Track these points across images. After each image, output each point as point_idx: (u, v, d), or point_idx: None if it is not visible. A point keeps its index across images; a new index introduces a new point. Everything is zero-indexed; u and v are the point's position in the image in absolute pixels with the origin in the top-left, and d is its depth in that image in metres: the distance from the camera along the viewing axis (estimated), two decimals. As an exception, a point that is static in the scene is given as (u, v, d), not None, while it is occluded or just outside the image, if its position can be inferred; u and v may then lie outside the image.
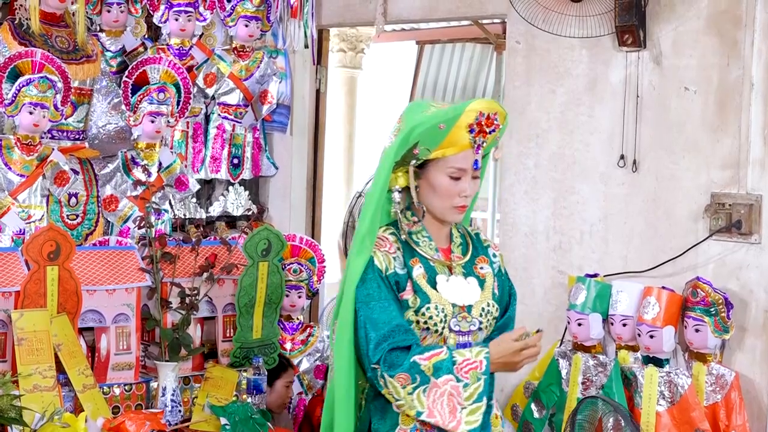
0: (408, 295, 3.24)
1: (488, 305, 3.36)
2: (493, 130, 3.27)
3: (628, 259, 4.95)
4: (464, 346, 3.29)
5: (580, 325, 4.84)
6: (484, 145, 3.29)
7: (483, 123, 3.24)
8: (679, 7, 4.81)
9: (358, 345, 3.24)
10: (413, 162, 3.24)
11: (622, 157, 4.97)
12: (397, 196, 3.30)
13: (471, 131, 3.22)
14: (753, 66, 4.62)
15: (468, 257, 3.39)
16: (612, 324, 4.80)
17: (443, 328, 3.25)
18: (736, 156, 4.67)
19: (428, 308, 3.23)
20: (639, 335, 4.69)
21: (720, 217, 4.68)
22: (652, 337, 4.63)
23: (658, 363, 4.67)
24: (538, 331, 3.24)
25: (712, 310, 4.55)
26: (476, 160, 3.27)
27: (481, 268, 3.41)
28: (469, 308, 3.30)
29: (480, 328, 3.34)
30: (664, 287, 4.66)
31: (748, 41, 4.63)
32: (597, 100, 5.09)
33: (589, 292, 4.83)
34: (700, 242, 4.74)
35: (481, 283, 3.37)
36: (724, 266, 4.71)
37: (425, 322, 3.23)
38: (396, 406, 3.18)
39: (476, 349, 3.20)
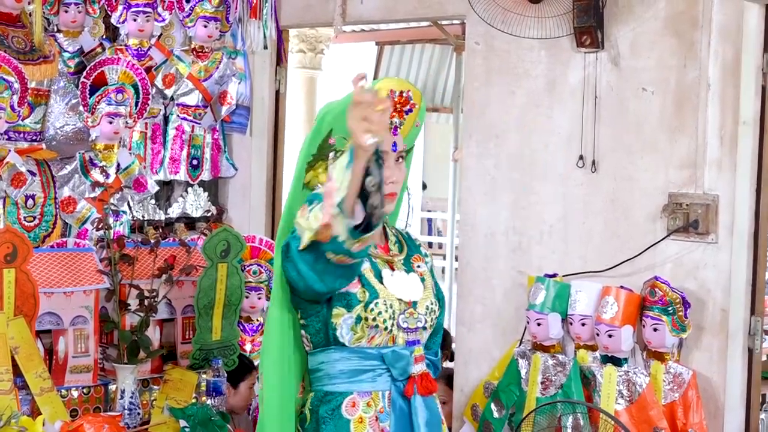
0: (356, 288, 3.15)
1: (432, 303, 3.33)
2: (410, 110, 3.21)
3: (587, 259, 4.97)
4: (413, 343, 3.26)
5: (539, 324, 4.86)
6: (402, 126, 3.23)
7: (397, 101, 3.18)
8: (636, 9, 4.83)
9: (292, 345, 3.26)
10: (331, 154, 3.18)
11: (581, 157, 4.99)
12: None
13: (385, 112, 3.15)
14: (710, 67, 4.66)
15: (404, 255, 3.36)
16: (571, 324, 4.82)
17: (392, 325, 3.20)
18: (693, 156, 4.70)
19: (377, 303, 3.16)
20: (598, 335, 4.72)
21: (677, 217, 4.71)
22: (610, 336, 4.65)
23: (617, 362, 4.69)
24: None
25: (669, 309, 4.58)
26: (395, 143, 3.17)
27: (418, 266, 3.37)
28: (414, 304, 3.26)
29: (425, 327, 3.30)
30: (622, 287, 4.69)
31: (705, 42, 4.66)
32: (556, 100, 5.11)
33: (548, 292, 4.85)
34: (658, 242, 4.77)
35: (422, 280, 3.34)
36: (682, 266, 4.74)
37: (374, 319, 3.16)
38: (302, 234, 2.96)
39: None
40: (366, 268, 3.19)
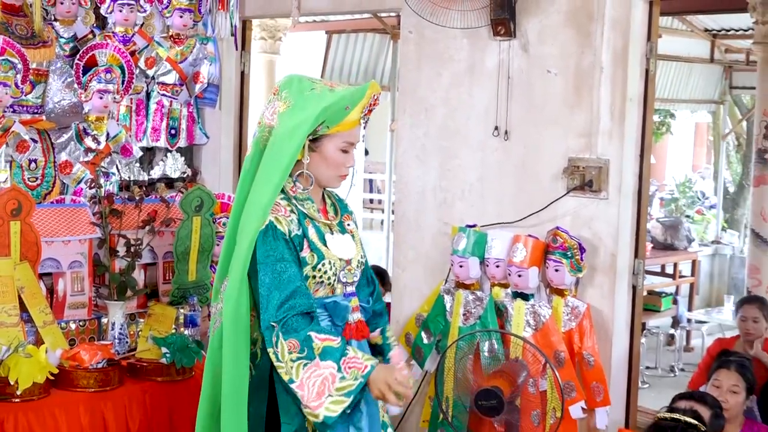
0: (305, 253, 3.13)
1: (361, 257, 3.33)
2: (374, 108, 3.23)
3: (501, 212, 5.00)
4: (350, 295, 3.25)
5: (461, 266, 4.89)
6: (368, 121, 3.25)
7: (372, 103, 3.20)
8: (542, 4, 4.84)
9: (255, 301, 3.11)
10: (309, 136, 3.13)
11: (496, 128, 5.00)
12: None
13: (364, 110, 3.17)
14: (603, 53, 4.68)
15: (338, 217, 3.33)
16: (487, 266, 4.86)
17: (334, 280, 3.19)
18: (588, 127, 4.73)
19: (323, 264, 3.14)
20: (509, 275, 4.75)
21: (575, 177, 4.74)
22: (520, 276, 4.69)
23: (525, 297, 4.74)
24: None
25: (568, 253, 4.62)
26: (363, 135, 3.26)
27: (348, 224, 3.35)
28: (350, 261, 3.25)
29: (357, 279, 3.30)
30: (530, 235, 4.72)
31: (599, 33, 4.68)
32: (475, 81, 5.11)
33: (469, 240, 4.87)
34: (559, 198, 4.80)
35: (352, 237, 3.32)
36: (579, 218, 4.78)
37: (320, 277, 3.15)
38: (277, 365, 2.97)
39: (367, 355, 3.07)
40: (312, 233, 3.16)
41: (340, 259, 3.21)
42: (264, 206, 3.07)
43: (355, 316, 3.26)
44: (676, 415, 3.12)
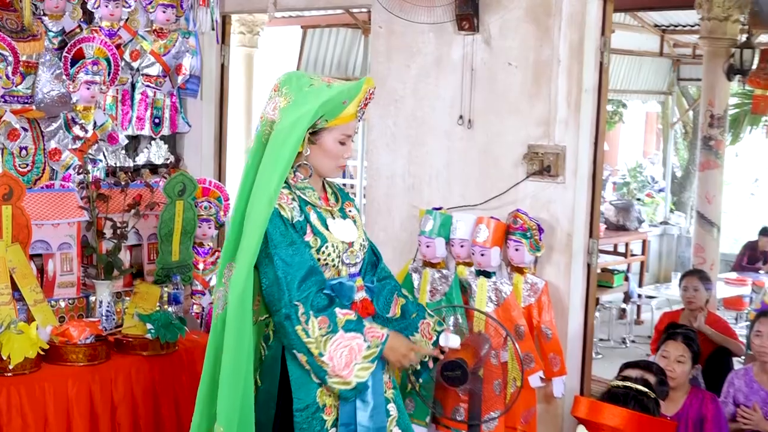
0: (309, 237, 3.11)
1: (363, 240, 3.31)
2: (369, 101, 3.22)
3: (465, 195, 5.00)
4: (354, 275, 3.24)
5: (428, 247, 4.89)
6: (363, 114, 3.25)
7: (368, 98, 3.19)
8: (504, 0, 4.83)
9: (261, 286, 3.07)
10: (309, 130, 3.11)
11: (460, 117, 5.00)
12: None
13: (360, 105, 3.16)
14: (560, 47, 4.68)
15: (339, 204, 3.31)
16: (452, 246, 4.86)
17: (339, 262, 3.18)
18: (547, 116, 4.74)
19: (327, 247, 3.12)
20: (473, 254, 4.76)
21: (534, 163, 4.75)
22: (483, 255, 4.69)
23: (488, 275, 4.74)
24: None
25: (528, 234, 4.63)
26: (358, 127, 3.25)
27: (350, 211, 3.32)
28: (352, 243, 3.23)
29: (360, 260, 3.28)
30: (492, 217, 4.73)
31: (557, 27, 4.68)
32: (441, 73, 5.10)
33: (435, 222, 4.87)
34: (519, 183, 4.81)
35: (354, 222, 3.29)
36: (538, 201, 4.79)
37: (324, 260, 3.13)
38: (305, 341, 2.96)
39: (380, 326, 3.11)
40: (314, 218, 3.14)
41: (343, 242, 3.19)
42: (271, 194, 3.04)
43: (360, 295, 3.25)
44: (629, 383, 3.13)
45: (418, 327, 3.34)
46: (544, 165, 4.72)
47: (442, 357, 3.33)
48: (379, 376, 3.12)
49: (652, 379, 3.91)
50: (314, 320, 2.95)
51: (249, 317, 3.05)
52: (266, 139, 3.14)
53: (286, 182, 3.13)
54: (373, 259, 3.44)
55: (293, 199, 3.12)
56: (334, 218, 3.22)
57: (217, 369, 3.13)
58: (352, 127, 3.20)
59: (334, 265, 3.17)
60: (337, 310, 3.00)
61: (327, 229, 3.16)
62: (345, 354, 2.95)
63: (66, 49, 4.83)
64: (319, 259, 3.12)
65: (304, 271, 3.00)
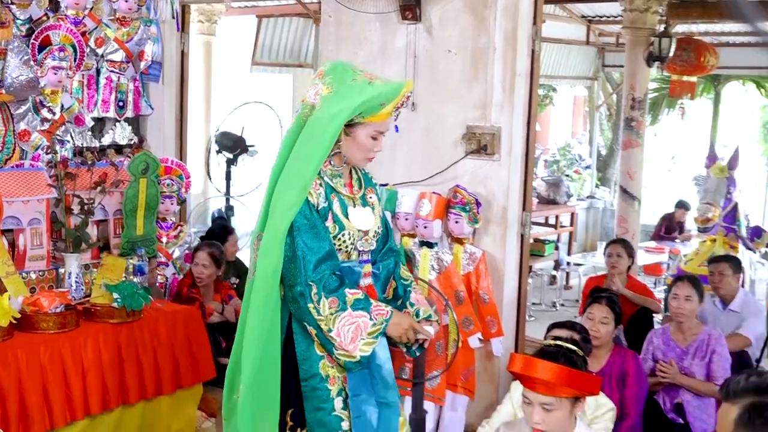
0: (329, 223, 3.07)
1: (378, 228, 3.25)
2: (406, 102, 3.15)
3: (410, 173, 5.01)
4: (364, 262, 3.19)
5: (375, 220, 4.88)
6: (399, 114, 3.18)
7: (405, 101, 3.12)
8: (444, -8, 4.83)
9: (284, 260, 3.00)
10: (346, 122, 3.03)
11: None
12: None
13: (396, 106, 3.10)
14: (496, 36, 4.69)
15: (362, 191, 3.24)
16: (398, 219, 4.86)
17: (351, 248, 3.13)
18: (483, 99, 4.74)
19: (343, 234, 3.09)
20: (417, 226, 4.76)
21: (472, 142, 4.76)
22: (425, 227, 4.70)
23: (430, 245, 4.75)
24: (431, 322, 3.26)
25: (467, 207, 4.64)
26: (396, 126, 3.22)
27: (370, 197, 3.27)
28: (368, 231, 3.18)
29: (372, 247, 3.23)
30: (434, 192, 4.73)
31: (492, 17, 4.68)
32: (387, 59, 5.08)
33: (382, 197, 4.86)
34: (459, 160, 4.82)
35: (372, 209, 3.24)
36: (476, 177, 4.81)
37: (339, 245, 3.09)
38: (315, 318, 2.97)
39: (384, 304, 3.08)
40: (336, 206, 3.11)
41: (359, 230, 3.15)
42: (306, 181, 3.00)
43: (366, 281, 3.20)
44: (559, 342, 3.16)
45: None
46: (481, 144, 4.73)
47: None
48: (383, 343, 3.09)
49: (576, 336, 3.95)
50: (325, 300, 2.96)
51: (277, 293, 3.03)
52: (304, 121, 3.07)
53: None
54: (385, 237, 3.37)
55: (320, 185, 3.07)
56: (354, 206, 3.17)
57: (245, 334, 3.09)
58: (385, 124, 3.13)
59: (346, 250, 3.13)
60: (347, 290, 2.99)
61: (347, 217, 3.12)
62: (351, 330, 2.95)
63: (33, 36, 4.73)
64: (334, 244, 3.08)
65: (321, 254, 2.99)
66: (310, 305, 2.97)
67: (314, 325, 2.99)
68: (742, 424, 1.71)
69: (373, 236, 3.23)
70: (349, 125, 3.06)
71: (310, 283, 2.96)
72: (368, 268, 3.23)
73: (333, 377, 3.08)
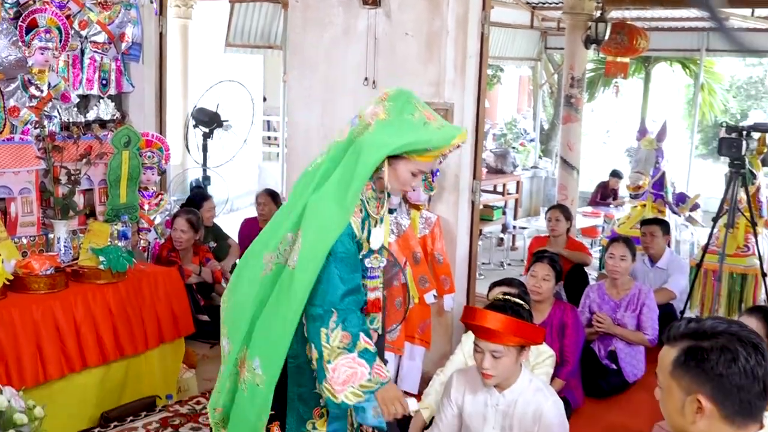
0: (361, 254, 2.89)
1: (387, 244, 3.08)
2: (453, 150, 2.90)
3: (370, 145, 4.98)
4: (373, 278, 2.98)
5: (340, 188, 4.86)
6: (445, 158, 3.00)
7: (453, 150, 2.90)
8: (401, -20, 4.79)
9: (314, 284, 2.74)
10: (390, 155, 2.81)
11: (366, 79, 4.95)
12: None
13: (444, 153, 2.89)
14: (449, 20, 4.67)
15: (383, 210, 3.00)
16: (360, 187, 4.84)
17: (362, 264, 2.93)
18: (437, 78, 4.73)
19: (367, 259, 2.91)
20: (377, 194, 4.75)
21: (428, 117, 4.75)
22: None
23: (390, 211, 4.73)
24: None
25: (423, 176, 4.63)
26: (437, 169, 3.08)
27: (383, 213, 3.03)
28: (380, 251, 2.99)
29: (382, 264, 3.03)
30: (393, 163, 4.72)
31: (446, 3, 4.66)
32: (349, 41, 5.04)
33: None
34: (416, 134, 4.81)
35: (381, 221, 2.99)
36: (431, 149, 4.80)
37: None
38: (322, 343, 2.71)
39: (386, 368, 2.81)
40: (366, 233, 2.90)
41: (371, 250, 2.94)
42: (349, 203, 2.77)
43: (373, 295, 3.02)
44: (507, 297, 3.20)
45: None
46: (435, 119, 4.72)
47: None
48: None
49: (514, 291, 3.98)
50: (339, 333, 2.71)
51: (303, 308, 2.76)
52: (355, 137, 2.85)
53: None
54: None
55: (361, 211, 2.86)
56: (375, 226, 2.95)
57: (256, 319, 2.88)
58: (429, 165, 2.90)
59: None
60: (362, 335, 2.74)
61: (368, 240, 2.92)
62: (348, 374, 2.71)
63: (21, 19, 4.62)
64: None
65: (352, 286, 2.77)
66: (323, 330, 2.72)
67: (318, 348, 2.74)
68: (679, 365, 1.75)
69: (381, 252, 3.01)
70: (393, 156, 2.81)
71: (333, 310, 2.73)
72: (377, 282, 3.04)
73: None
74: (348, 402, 2.71)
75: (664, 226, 6.17)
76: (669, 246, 6.25)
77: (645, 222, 6.32)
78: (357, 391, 2.70)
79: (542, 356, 4.04)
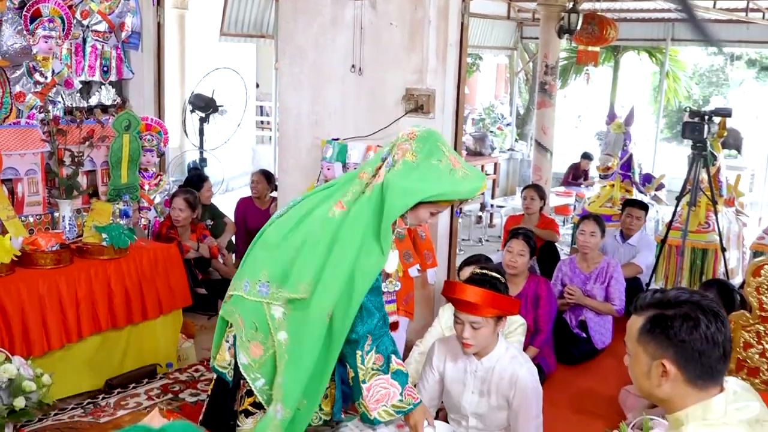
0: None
1: (399, 267, 3.02)
2: (473, 198, 2.83)
3: (357, 128, 4.97)
4: (389, 302, 2.94)
5: (328, 170, 4.85)
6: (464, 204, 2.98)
7: (472, 199, 2.83)
8: (386, -28, 4.75)
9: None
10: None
11: (353, 66, 4.93)
12: None
13: (463, 201, 2.82)
14: (431, 10, 4.64)
15: (393, 235, 2.83)
16: (348, 168, 4.83)
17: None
18: (420, 65, 4.71)
19: (383, 284, 2.87)
20: (364, 175, 4.74)
21: (411, 102, 4.74)
22: (371, 175, 4.68)
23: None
24: None
25: (406, 158, 4.63)
26: (458, 210, 3.01)
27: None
28: (390, 274, 2.97)
29: (397, 288, 2.98)
30: (378, 145, 4.71)
31: (428, -6, 4.64)
32: (337, 31, 5.00)
33: (334, 150, 4.83)
34: (400, 118, 4.80)
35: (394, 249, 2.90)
36: (414, 132, 4.79)
37: None
38: (357, 365, 2.71)
39: (416, 390, 2.85)
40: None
41: (385, 272, 2.89)
42: (382, 234, 2.66)
43: (393, 318, 2.97)
44: (485, 271, 3.20)
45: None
46: (418, 104, 4.71)
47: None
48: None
49: (491, 265, 4.00)
50: (374, 355, 2.72)
51: (326, 326, 2.68)
52: (379, 167, 2.73)
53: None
54: None
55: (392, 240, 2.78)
56: (391, 251, 2.83)
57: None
58: (447, 207, 2.84)
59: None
60: (393, 357, 2.75)
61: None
62: (381, 393, 2.73)
63: (25, 9, 4.56)
64: None
65: (383, 312, 2.76)
66: (359, 352, 2.72)
67: (354, 368, 2.74)
68: (645, 332, 1.76)
69: (395, 276, 2.96)
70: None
71: (368, 335, 2.71)
72: (393, 307, 2.97)
73: None
74: (381, 419, 2.74)
75: (646, 210, 6.23)
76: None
77: (629, 203, 6.32)
78: (389, 410, 2.73)
79: (513, 325, 4.06)
